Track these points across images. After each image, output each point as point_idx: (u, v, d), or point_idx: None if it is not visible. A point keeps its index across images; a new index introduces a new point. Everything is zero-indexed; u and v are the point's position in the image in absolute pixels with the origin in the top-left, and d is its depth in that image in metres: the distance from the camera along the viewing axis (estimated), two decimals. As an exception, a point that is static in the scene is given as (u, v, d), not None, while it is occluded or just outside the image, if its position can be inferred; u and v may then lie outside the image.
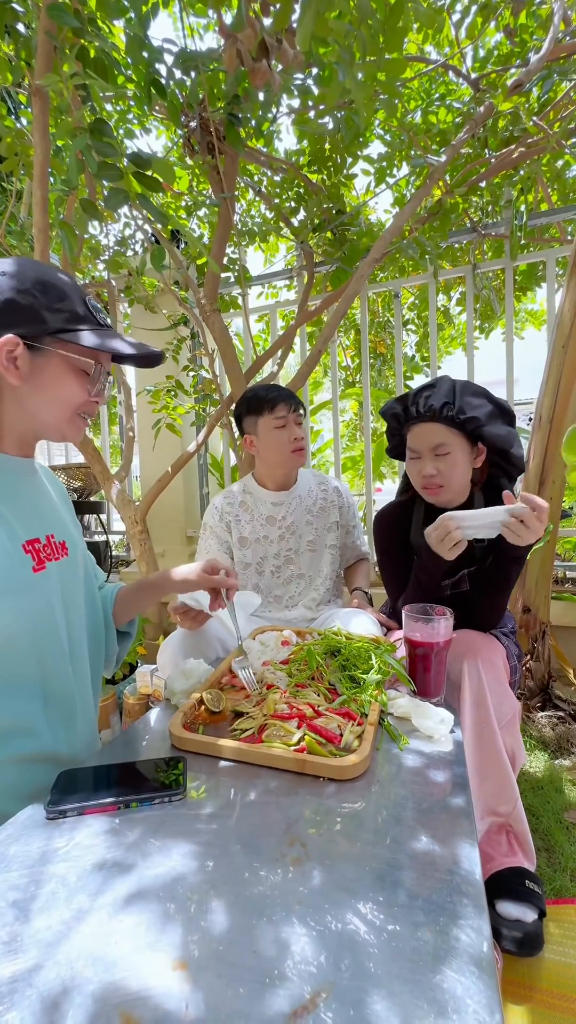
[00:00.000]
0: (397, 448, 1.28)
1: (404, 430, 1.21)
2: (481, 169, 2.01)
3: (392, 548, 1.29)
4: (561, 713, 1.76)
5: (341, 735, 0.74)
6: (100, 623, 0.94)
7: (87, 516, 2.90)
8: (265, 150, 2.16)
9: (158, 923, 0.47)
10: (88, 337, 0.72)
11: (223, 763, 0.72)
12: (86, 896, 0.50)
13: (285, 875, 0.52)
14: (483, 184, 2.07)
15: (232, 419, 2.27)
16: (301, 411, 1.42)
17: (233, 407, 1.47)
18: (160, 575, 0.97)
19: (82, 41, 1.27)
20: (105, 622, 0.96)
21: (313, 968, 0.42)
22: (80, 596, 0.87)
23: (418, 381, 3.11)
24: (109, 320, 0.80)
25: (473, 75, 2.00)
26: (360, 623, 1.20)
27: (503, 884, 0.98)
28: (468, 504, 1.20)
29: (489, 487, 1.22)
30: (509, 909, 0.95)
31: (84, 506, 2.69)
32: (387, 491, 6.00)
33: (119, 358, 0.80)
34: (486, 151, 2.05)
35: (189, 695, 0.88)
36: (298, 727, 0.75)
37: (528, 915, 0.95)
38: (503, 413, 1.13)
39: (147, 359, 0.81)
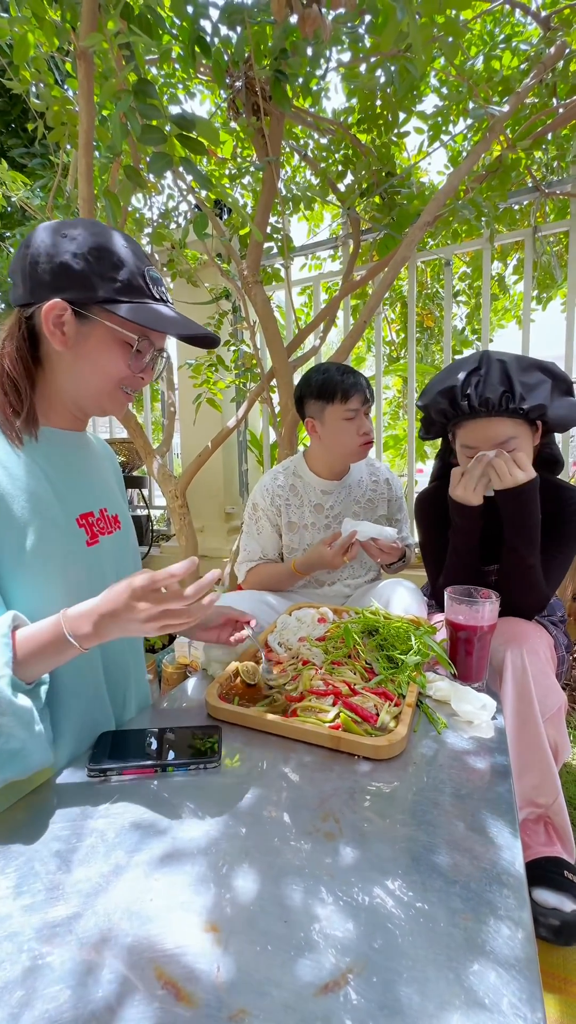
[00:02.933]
0: (436, 436, 1.20)
1: (452, 426, 1.12)
2: (548, 120, 1.84)
3: (433, 528, 1.25)
4: (608, 706, 1.68)
5: (377, 715, 0.73)
6: None
7: (129, 490, 2.99)
8: (312, 110, 2.05)
9: (192, 884, 0.47)
10: (128, 308, 0.70)
11: (257, 735, 0.72)
12: (123, 852, 0.51)
13: (318, 848, 0.51)
14: (549, 136, 1.89)
15: (272, 395, 2.25)
16: (371, 401, 1.34)
17: (297, 383, 1.40)
18: None
19: (126, -2, 1.23)
20: None
21: (344, 944, 0.42)
22: (131, 569, 0.88)
23: (467, 356, 2.96)
24: (168, 296, 0.76)
25: (543, 12, 1.81)
26: (401, 597, 1.17)
27: (540, 872, 0.95)
28: None
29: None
30: (546, 897, 0.93)
31: (127, 481, 2.77)
32: (429, 471, 5.82)
33: (184, 337, 0.76)
34: (554, 100, 1.87)
35: (225, 666, 0.89)
36: (333, 704, 0.74)
37: (567, 904, 0.92)
38: (557, 380, 1.04)
39: (195, 340, 0.76)
